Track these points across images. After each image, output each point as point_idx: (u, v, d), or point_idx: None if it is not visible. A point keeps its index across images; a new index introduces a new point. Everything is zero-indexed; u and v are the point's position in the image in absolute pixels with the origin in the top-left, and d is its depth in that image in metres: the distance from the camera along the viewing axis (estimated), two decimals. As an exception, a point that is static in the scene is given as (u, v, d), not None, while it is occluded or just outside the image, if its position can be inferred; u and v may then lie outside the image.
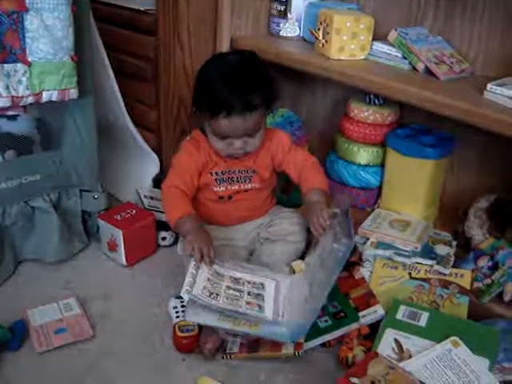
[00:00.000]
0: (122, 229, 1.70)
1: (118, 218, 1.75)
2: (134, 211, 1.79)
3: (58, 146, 1.73)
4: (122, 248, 1.71)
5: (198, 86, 1.54)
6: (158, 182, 2.01)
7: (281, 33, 1.91)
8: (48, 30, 1.45)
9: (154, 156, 2.02)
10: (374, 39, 1.72)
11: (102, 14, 1.95)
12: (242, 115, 1.44)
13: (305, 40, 1.89)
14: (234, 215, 1.65)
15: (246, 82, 1.47)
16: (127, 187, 2.01)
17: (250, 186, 1.62)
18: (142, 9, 1.97)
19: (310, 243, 1.63)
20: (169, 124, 2.03)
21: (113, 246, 1.74)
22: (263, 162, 1.62)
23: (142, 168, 2.04)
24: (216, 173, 1.58)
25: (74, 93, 1.57)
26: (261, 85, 1.49)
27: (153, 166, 2.03)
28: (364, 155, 1.82)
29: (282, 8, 1.88)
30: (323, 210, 1.50)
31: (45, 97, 1.52)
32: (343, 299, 1.49)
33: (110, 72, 1.83)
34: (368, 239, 1.62)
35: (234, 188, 1.61)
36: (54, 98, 1.53)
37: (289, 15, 1.88)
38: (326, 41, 1.70)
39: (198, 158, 1.56)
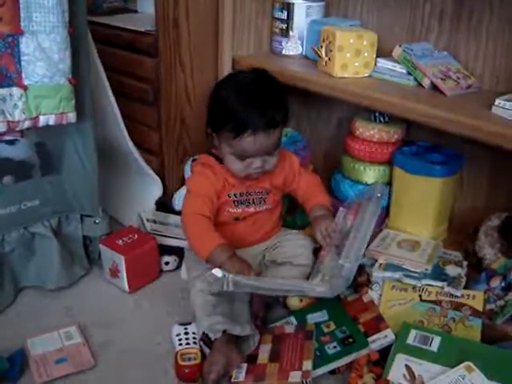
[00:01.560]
0: (124, 254, 1.66)
1: (120, 243, 1.71)
2: (136, 236, 1.75)
3: (58, 170, 1.70)
4: (124, 274, 1.67)
5: (215, 108, 1.53)
6: (160, 205, 1.99)
7: (283, 51, 1.90)
8: (44, 53, 1.43)
9: (157, 179, 1.99)
10: (377, 56, 1.70)
11: (101, 36, 1.94)
12: (266, 132, 1.45)
13: (307, 58, 1.88)
14: (246, 237, 1.63)
15: (268, 99, 1.48)
16: (129, 211, 1.98)
17: (264, 207, 1.61)
18: (142, 30, 1.96)
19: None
20: (171, 146, 2.01)
21: (115, 272, 1.70)
22: (277, 182, 1.63)
23: (144, 191, 2.01)
24: (234, 194, 1.57)
25: (72, 116, 1.54)
26: (280, 101, 1.52)
27: (155, 189, 2.00)
28: (370, 174, 1.79)
29: (284, 26, 1.87)
30: (331, 221, 1.58)
31: (42, 121, 1.49)
32: (352, 324, 1.45)
33: (110, 94, 1.80)
34: (376, 261, 1.58)
35: (250, 210, 1.60)
36: (51, 122, 1.50)
37: (291, 33, 1.87)
38: (329, 58, 1.68)
39: (217, 182, 1.55)
